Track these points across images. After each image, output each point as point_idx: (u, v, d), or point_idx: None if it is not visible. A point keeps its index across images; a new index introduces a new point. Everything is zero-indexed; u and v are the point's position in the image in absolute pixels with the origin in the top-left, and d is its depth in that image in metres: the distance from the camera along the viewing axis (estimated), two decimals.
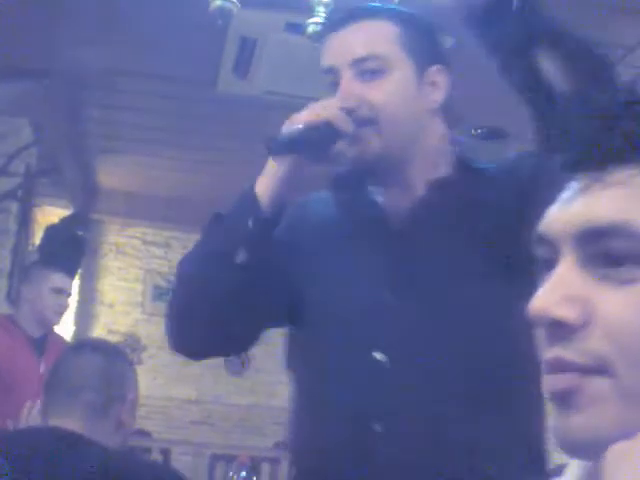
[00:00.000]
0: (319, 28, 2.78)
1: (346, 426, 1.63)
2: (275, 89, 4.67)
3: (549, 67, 1.42)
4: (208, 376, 7.31)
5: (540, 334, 0.75)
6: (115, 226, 7.40)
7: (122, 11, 4.02)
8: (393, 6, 1.78)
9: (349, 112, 1.64)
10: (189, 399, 7.33)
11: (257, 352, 7.20)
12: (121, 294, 7.37)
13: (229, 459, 6.07)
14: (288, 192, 1.70)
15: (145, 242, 7.44)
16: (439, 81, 1.71)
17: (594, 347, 0.71)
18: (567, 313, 0.72)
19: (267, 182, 1.67)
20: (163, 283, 7.34)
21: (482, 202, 1.67)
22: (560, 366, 0.72)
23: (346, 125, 1.63)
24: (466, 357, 1.59)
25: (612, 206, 0.72)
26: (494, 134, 5.18)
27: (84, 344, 2.68)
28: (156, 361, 7.16)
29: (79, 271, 6.48)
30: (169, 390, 7.25)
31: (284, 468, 6.05)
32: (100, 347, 2.44)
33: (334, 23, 1.78)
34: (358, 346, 1.64)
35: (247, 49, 4.23)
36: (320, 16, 2.80)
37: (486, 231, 1.63)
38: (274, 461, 6.32)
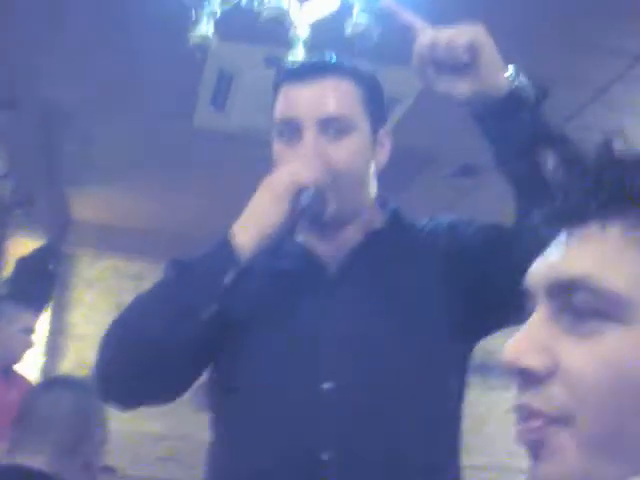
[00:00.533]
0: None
1: (292, 459, 1.65)
2: (252, 123, 4.69)
3: (547, 163, 1.48)
4: (175, 411, 7.25)
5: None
6: (87, 258, 7.37)
7: (97, 43, 4.04)
8: (354, 64, 1.81)
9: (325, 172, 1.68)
10: (157, 434, 7.28)
11: None
12: (92, 327, 7.31)
13: None
14: (268, 242, 1.69)
15: (117, 274, 7.41)
16: (386, 143, 1.79)
17: (557, 397, 0.74)
18: (533, 362, 0.75)
19: (251, 237, 1.65)
20: None
21: (413, 255, 1.77)
22: (527, 414, 0.76)
23: (330, 186, 1.67)
24: (403, 393, 1.67)
25: (579, 260, 0.76)
26: (467, 171, 5.22)
27: (54, 381, 2.65)
28: None
29: (50, 303, 6.44)
30: (136, 425, 7.20)
31: None
32: (70, 384, 2.42)
33: (293, 73, 1.79)
34: (305, 378, 1.66)
35: (225, 82, 4.25)
36: (299, 51, 2.82)
37: (415, 281, 1.73)
38: None
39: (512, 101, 1.56)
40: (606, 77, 3.92)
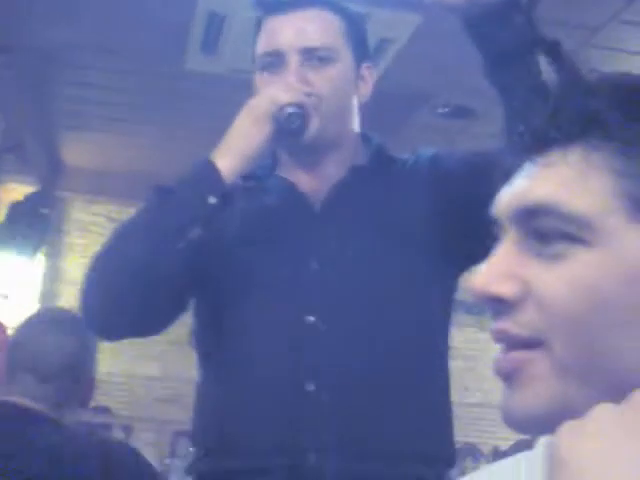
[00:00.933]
0: None
1: (277, 390, 1.67)
2: (243, 67, 4.66)
3: (543, 70, 1.47)
4: (172, 353, 7.30)
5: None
6: (80, 203, 7.36)
7: None
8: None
9: (306, 95, 1.69)
10: (153, 376, 7.33)
11: None
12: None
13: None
14: (253, 166, 1.71)
15: (110, 219, 7.40)
16: (368, 77, 1.81)
17: (530, 320, 0.74)
18: (503, 289, 0.75)
19: (233, 160, 1.66)
20: None
21: (396, 188, 1.79)
22: (502, 338, 0.76)
23: (311, 109, 1.68)
24: (386, 322, 1.69)
25: (543, 187, 0.76)
26: (460, 113, 5.21)
27: (48, 320, 2.62)
28: None
29: (43, 249, 6.46)
30: (132, 367, 7.25)
31: None
32: (65, 323, 2.40)
33: (275, 6, 1.79)
34: (290, 311, 1.70)
35: (215, 25, 4.22)
36: None
37: (399, 213, 1.75)
38: None
39: (506, 5, 1.52)
40: (600, 19, 3.90)
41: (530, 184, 0.77)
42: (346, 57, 1.76)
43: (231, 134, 1.69)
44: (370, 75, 1.82)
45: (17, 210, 6.11)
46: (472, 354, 7.31)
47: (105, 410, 6.48)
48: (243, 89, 5.22)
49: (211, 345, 1.79)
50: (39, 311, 4.13)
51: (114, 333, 1.82)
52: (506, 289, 0.75)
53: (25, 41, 4.62)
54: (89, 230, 7.37)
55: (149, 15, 4.16)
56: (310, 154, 1.76)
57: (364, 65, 1.81)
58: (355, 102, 1.79)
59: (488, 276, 0.76)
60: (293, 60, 1.70)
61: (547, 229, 0.75)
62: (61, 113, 5.73)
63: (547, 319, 0.73)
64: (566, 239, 0.73)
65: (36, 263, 6.59)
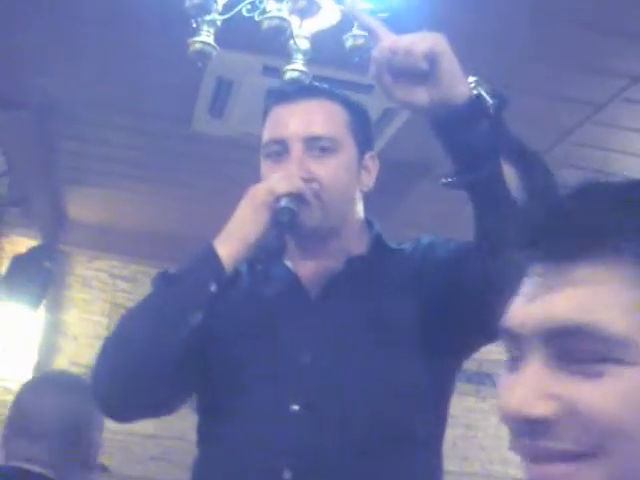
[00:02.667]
0: (296, 74, 2.82)
1: (256, 475, 1.70)
2: (249, 130, 4.70)
3: (509, 174, 1.48)
4: None
5: (511, 428, 0.78)
6: (82, 258, 7.37)
7: (98, 44, 4.04)
8: (341, 91, 1.87)
9: (306, 183, 1.71)
10: (149, 434, 7.28)
11: None
12: (86, 327, 7.32)
13: None
14: (250, 253, 1.74)
15: (112, 275, 7.40)
16: (371, 166, 1.84)
17: (578, 436, 0.74)
18: (542, 411, 0.75)
19: (234, 247, 1.72)
20: None
21: (392, 279, 1.82)
22: (551, 457, 0.75)
23: (311, 198, 1.70)
24: (371, 413, 1.70)
25: (576, 306, 0.75)
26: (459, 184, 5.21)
27: (47, 381, 2.62)
28: None
29: (44, 302, 6.45)
30: (129, 425, 7.19)
31: None
32: (65, 385, 2.40)
33: (282, 96, 1.83)
34: (275, 400, 1.71)
35: (223, 89, 4.26)
36: (298, 62, 2.83)
37: (393, 306, 1.78)
38: None
39: (471, 110, 1.54)
40: (604, 96, 3.93)
41: (560, 303, 0.76)
42: (349, 147, 1.79)
43: (232, 221, 1.73)
44: (374, 164, 1.84)
45: (20, 263, 6.12)
46: (472, 423, 7.25)
47: (103, 468, 6.42)
48: (249, 152, 5.25)
49: (204, 426, 1.82)
50: (41, 374, 4.11)
51: (125, 414, 1.88)
52: (545, 410, 0.74)
53: (33, 96, 4.66)
54: (91, 285, 7.37)
55: (157, 76, 4.20)
56: (311, 242, 1.78)
57: (368, 155, 1.82)
58: (357, 191, 1.81)
59: (524, 398, 0.75)
60: (296, 148, 1.73)
61: (585, 350, 0.74)
62: (66, 168, 5.76)
63: (599, 434, 0.72)
64: (607, 360, 0.73)
65: (37, 316, 6.58)
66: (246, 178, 6.18)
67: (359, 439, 1.67)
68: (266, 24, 2.74)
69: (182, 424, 7.37)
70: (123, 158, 5.55)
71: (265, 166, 1.81)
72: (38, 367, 6.87)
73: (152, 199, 6.29)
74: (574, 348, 0.74)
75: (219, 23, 2.77)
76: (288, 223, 1.71)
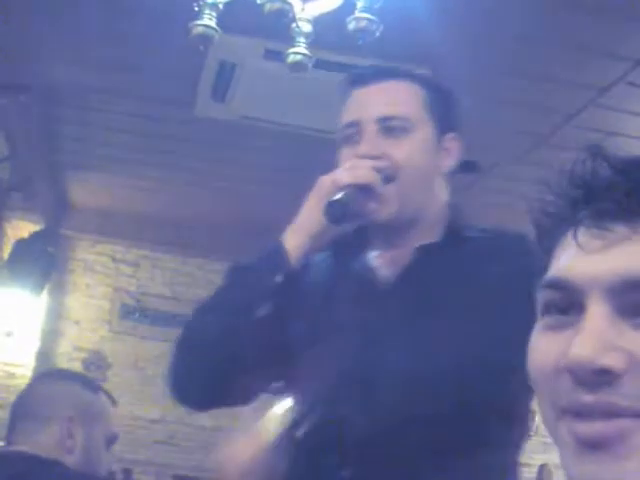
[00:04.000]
0: (299, 58, 2.80)
1: (314, 471, 1.66)
2: (252, 114, 4.69)
3: None
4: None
5: (562, 381, 0.77)
6: (85, 242, 7.37)
7: (99, 29, 4.03)
8: (422, 72, 1.83)
9: (378, 170, 1.68)
10: (153, 419, 7.30)
11: None
12: (88, 311, 7.33)
13: None
14: (320, 245, 1.75)
15: (114, 260, 7.41)
16: (452, 148, 1.78)
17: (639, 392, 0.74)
18: (611, 361, 0.74)
19: (299, 239, 1.72)
20: (131, 301, 7.32)
21: (465, 270, 1.72)
22: (610, 411, 0.74)
23: (380, 187, 1.67)
24: (453, 405, 1.59)
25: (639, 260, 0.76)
26: (467, 168, 5.21)
27: (51, 373, 2.66)
28: (121, 379, 7.13)
29: (47, 286, 6.45)
30: (133, 409, 7.22)
31: None
32: (70, 376, 2.44)
33: (358, 79, 1.81)
34: (354, 387, 1.66)
35: (226, 73, 4.25)
36: (300, 46, 2.82)
37: (465, 297, 1.68)
38: None
39: None
40: (608, 79, 3.92)
41: (623, 257, 0.77)
42: (426, 127, 1.73)
43: (300, 212, 1.74)
44: (456, 146, 1.78)
45: (22, 247, 6.12)
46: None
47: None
48: (250, 136, 5.23)
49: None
50: (46, 370, 4.15)
51: (203, 406, 1.90)
52: (614, 361, 0.74)
53: (36, 81, 4.65)
54: (93, 270, 7.38)
55: (159, 60, 4.19)
56: (386, 233, 1.74)
57: (449, 136, 1.78)
58: (437, 174, 1.77)
59: (592, 348, 0.75)
60: (369, 130, 1.71)
61: None
62: (68, 153, 5.76)
63: None
64: None
65: (40, 301, 6.59)
66: (248, 162, 6.20)
67: (435, 437, 1.61)
68: (268, 7, 2.72)
69: (186, 409, 7.42)
70: (125, 143, 5.54)
71: (340, 152, 1.79)
72: (41, 351, 6.88)
73: (155, 184, 6.29)
74: (638, 302, 0.75)
75: (221, 7, 2.76)
76: (338, 217, 1.68)
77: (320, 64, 3.79)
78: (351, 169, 1.68)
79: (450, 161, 1.78)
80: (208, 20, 2.74)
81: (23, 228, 6.44)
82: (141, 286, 7.33)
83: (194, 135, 5.21)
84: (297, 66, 2.87)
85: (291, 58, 2.84)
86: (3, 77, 4.64)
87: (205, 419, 7.31)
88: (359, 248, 1.80)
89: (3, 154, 5.41)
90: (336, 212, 1.66)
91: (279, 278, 1.69)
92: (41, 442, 2.19)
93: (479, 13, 3.43)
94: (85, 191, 6.62)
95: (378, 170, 1.68)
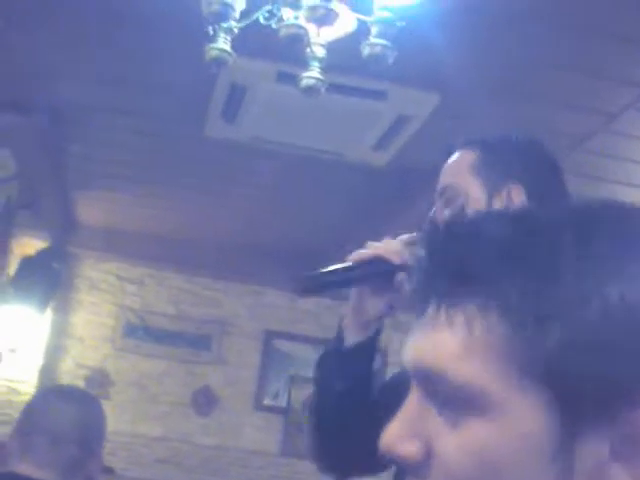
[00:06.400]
0: (312, 82, 2.81)
1: None
2: (262, 135, 4.69)
3: None
4: (175, 414, 7.26)
5: None
6: (90, 260, 7.38)
7: (111, 47, 4.05)
8: (483, 135, 1.88)
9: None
10: (155, 436, 7.28)
11: (225, 393, 7.18)
12: (92, 328, 7.33)
13: None
14: (368, 319, 1.78)
15: (119, 278, 7.41)
16: (513, 197, 1.80)
17: None
18: (407, 450, 0.73)
19: (352, 320, 1.78)
20: (135, 320, 7.32)
21: None
22: None
23: (396, 258, 1.69)
24: None
25: (433, 351, 0.74)
26: None
27: (60, 391, 2.64)
28: (124, 397, 7.12)
29: (52, 303, 6.46)
30: (136, 427, 7.20)
31: None
32: (77, 396, 2.42)
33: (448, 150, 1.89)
34: None
35: (237, 95, 4.25)
36: (314, 70, 2.82)
37: None
38: None
39: None
40: (618, 105, 3.94)
41: (423, 345, 0.75)
42: (473, 187, 1.78)
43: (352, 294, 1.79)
44: (516, 195, 1.78)
45: (28, 264, 6.13)
46: None
47: (109, 471, 6.41)
48: (260, 156, 5.23)
49: None
50: (50, 386, 4.14)
51: (346, 474, 1.92)
52: (409, 450, 0.73)
53: (44, 100, 4.67)
54: (98, 288, 7.37)
55: (170, 80, 4.21)
56: None
57: (507, 186, 1.78)
58: None
59: (392, 435, 0.74)
60: (437, 202, 1.81)
61: (442, 393, 0.72)
62: (75, 172, 5.77)
63: None
64: (460, 406, 0.71)
65: (44, 317, 6.59)
66: (256, 183, 6.19)
67: None
68: (284, 32, 2.74)
69: (188, 427, 7.41)
70: (132, 161, 5.55)
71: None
72: (44, 368, 6.88)
73: (161, 202, 6.29)
74: (435, 390, 0.73)
75: (236, 30, 2.77)
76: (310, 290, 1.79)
77: (332, 87, 3.79)
78: (373, 247, 1.75)
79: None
80: (223, 44, 2.75)
81: (29, 245, 6.45)
82: (146, 304, 7.32)
83: (202, 154, 5.22)
84: (310, 91, 2.88)
85: (304, 82, 2.85)
86: (12, 96, 4.65)
87: (207, 438, 7.29)
88: None
89: (11, 172, 5.42)
90: (310, 286, 1.74)
91: (336, 357, 1.78)
92: (51, 462, 2.18)
93: (492, 39, 3.45)
94: (91, 209, 6.63)
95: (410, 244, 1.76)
